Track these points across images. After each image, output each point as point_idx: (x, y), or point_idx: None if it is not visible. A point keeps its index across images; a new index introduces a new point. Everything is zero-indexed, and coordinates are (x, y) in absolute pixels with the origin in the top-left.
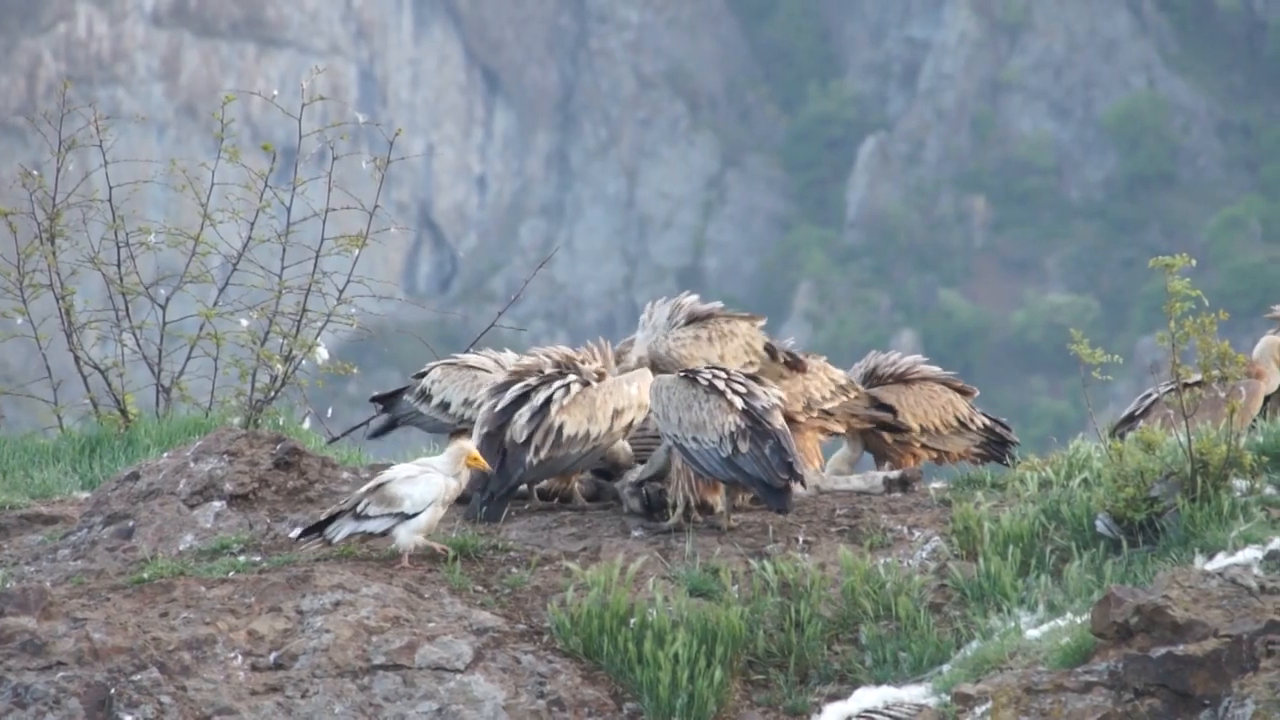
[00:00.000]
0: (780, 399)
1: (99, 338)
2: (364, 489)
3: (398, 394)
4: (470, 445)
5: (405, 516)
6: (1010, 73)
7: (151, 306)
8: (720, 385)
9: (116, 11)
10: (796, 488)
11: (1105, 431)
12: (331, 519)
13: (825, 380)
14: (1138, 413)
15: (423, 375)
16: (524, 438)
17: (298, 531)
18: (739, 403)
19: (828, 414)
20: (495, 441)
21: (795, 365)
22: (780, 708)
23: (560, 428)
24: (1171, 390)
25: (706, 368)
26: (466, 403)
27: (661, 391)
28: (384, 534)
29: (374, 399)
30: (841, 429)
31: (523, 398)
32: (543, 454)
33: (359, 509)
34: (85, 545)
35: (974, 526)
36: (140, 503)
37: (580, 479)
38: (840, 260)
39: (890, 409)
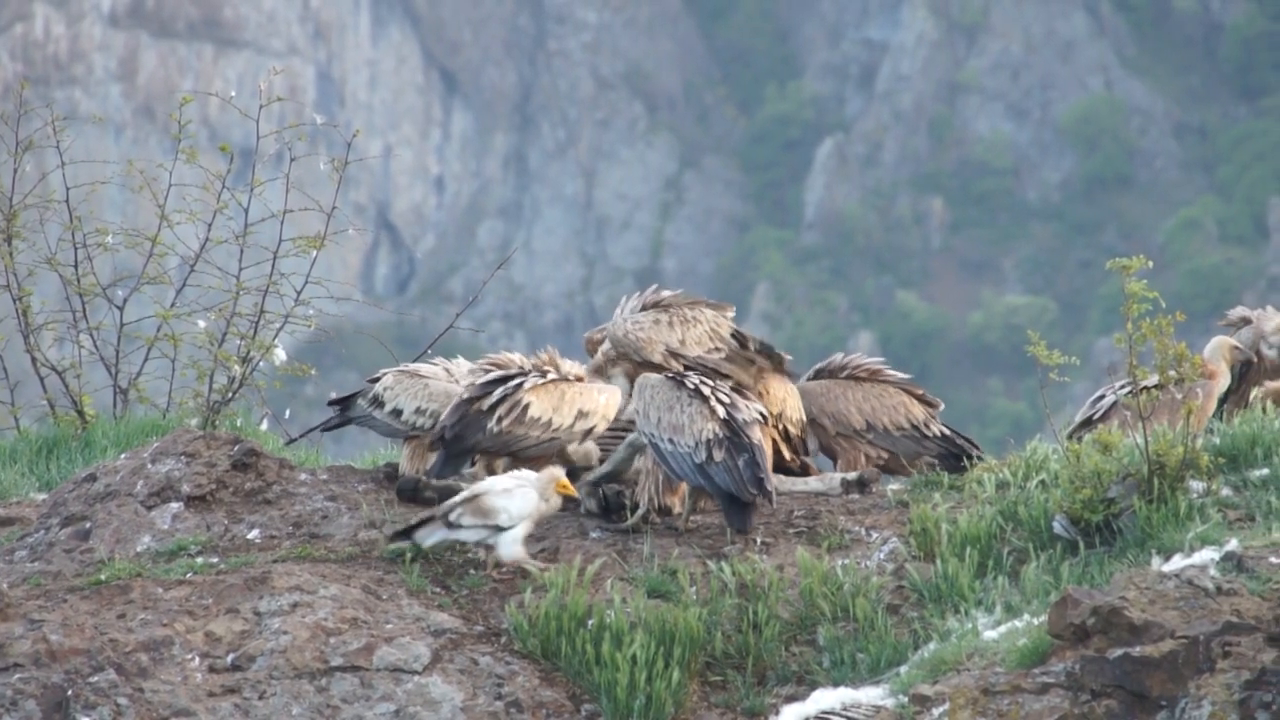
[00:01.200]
0: (762, 414)
1: (56, 339)
2: (458, 498)
3: (353, 397)
4: (559, 472)
5: (499, 529)
6: (968, 74)
7: (109, 307)
8: (705, 392)
9: (74, 12)
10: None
11: (1063, 434)
12: (421, 524)
13: (796, 406)
14: (1095, 417)
15: (376, 380)
16: (489, 406)
17: (389, 533)
18: (721, 411)
19: (788, 435)
20: (463, 408)
21: (769, 355)
22: (738, 709)
23: (527, 406)
24: (1128, 391)
25: (695, 372)
26: (418, 411)
27: (646, 390)
28: (476, 544)
29: (331, 402)
30: (788, 456)
31: (504, 379)
32: (504, 424)
33: (451, 517)
34: (42, 547)
35: (931, 528)
36: (97, 504)
37: None
38: (798, 261)
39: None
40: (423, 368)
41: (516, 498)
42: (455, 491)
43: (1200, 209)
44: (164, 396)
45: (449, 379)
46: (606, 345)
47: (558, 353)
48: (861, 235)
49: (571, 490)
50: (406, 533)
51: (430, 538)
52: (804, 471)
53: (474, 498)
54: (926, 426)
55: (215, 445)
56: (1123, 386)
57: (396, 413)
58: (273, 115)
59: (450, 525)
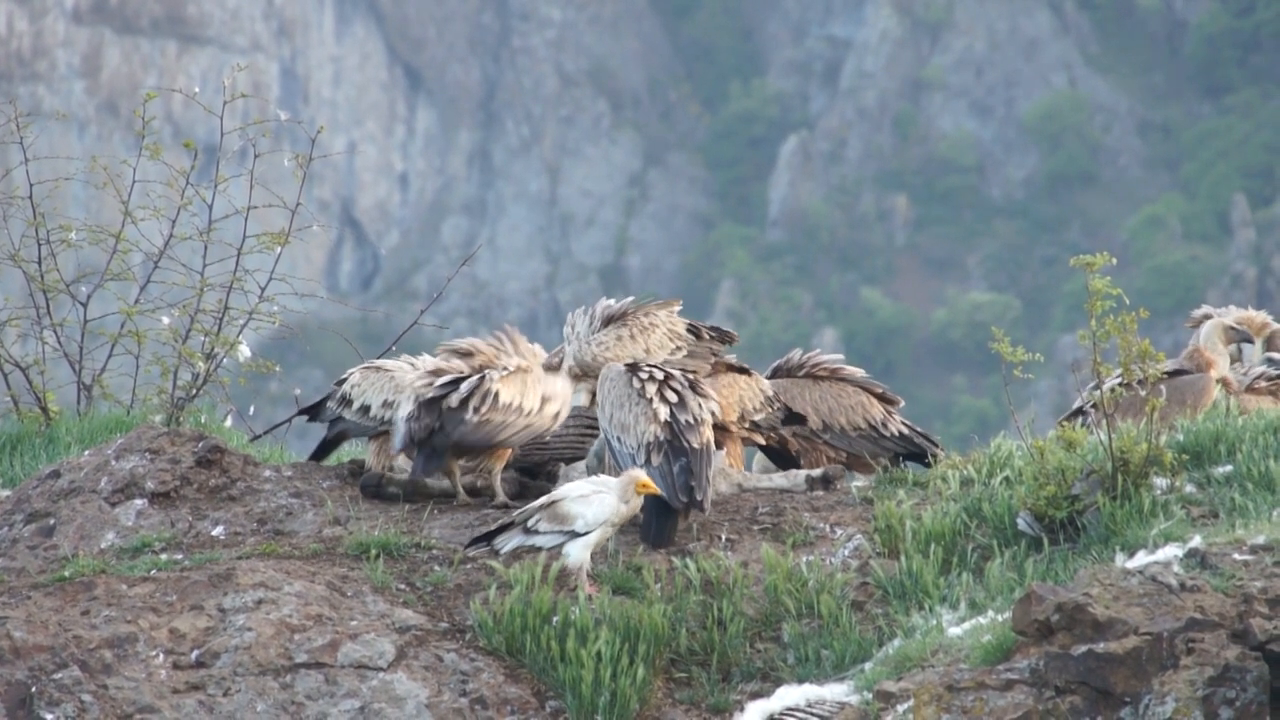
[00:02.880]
0: (714, 412)
1: (20, 335)
2: (537, 503)
3: (322, 403)
4: (640, 473)
5: (575, 535)
6: (932, 71)
7: (73, 304)
8: (651, 391)
9: (37, 8)
10: (714, 494)
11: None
12: (501, 530)
13: (757, 391)
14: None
15: (343, 382)
16: (460, 401)
17: (470, 539)
18: (664, 413)
19: (756, 425)
20: (434, 407)
21: (724, 338)
22: (703, 706)
23: (497, 394)
24: (1121, 386)
25: (647, 366)
26: (386, 404)
27: (605, 383)
28: (551, 550)
29: (301, 411)
30: (763, 441)
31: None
32: (483, 411)
33: (529, 524)
34: (6, 543)
35: (896, 524)
36: (61, 501)
37: (504, 476)
38: (762, 259)
39: (801, 419)
40: (388, 363)
41: (593, 504)
42: (422, 488)
43: (1164, 206)
44: (128, 393)
45: (415, 372)
46: (572, 363)
47: (517, 330)
48: (826, 232)
49: (653, 488)
50: (487, 538)
51: (508, 544)
52: (783, 446)
53: (552, 504)
54: (884, 426)
55: (179, 442)
56: (1124, 384)
57: (365, 409)
58: (237, 112)
59: (528, 531)
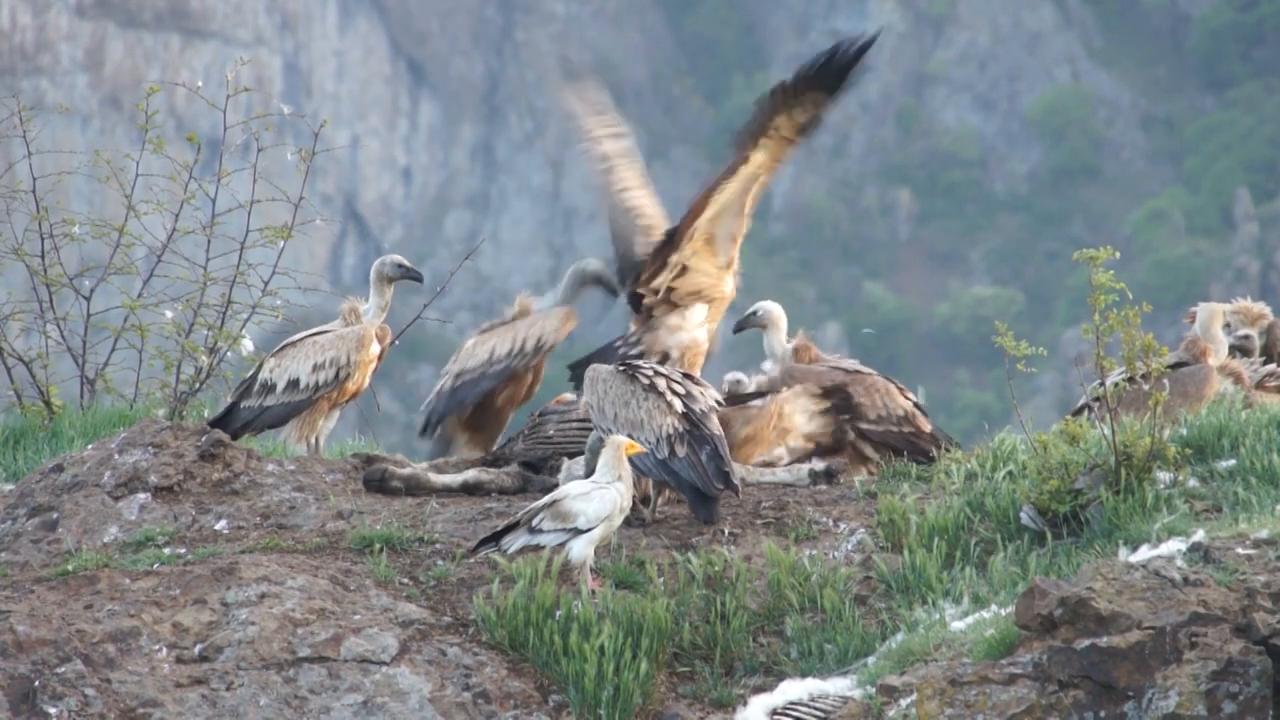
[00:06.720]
0: (717, 402)
1: (23, 329)
2: (540, 503)
3: (231, 410)
4: (619, 438)
5: (579, 532)
6: (935, 65)
7: (75, 298)
8: (660, 385)
9: (40, 2)
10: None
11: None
12: (508, 530)
13: (809, 402)
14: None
15: (250, 379)
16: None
17: (476, 540)
18: (678, 404)
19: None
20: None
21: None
22: (706, 700)
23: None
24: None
25: (645, 364)
26: (316, 368)
27: (598, 384)
28: (553, 548)
29: (211, 423)
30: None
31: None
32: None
33: (534, 523)
34: (9, 537)
35: (899, 519)
36: (64, 495)
37: (508, 471)
38: (766, 252)
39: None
40: (293, 337)
41: (594, 501)
42: (423, 481)
43: (1167, 200)
44: (131, 387)
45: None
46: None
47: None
48: (829, 226)
49: (638, 447)
50: (495, 538)
51: (514, 544)
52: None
53: (554, 502)
54: (922, 433)
55: (182, 436)
56: (1129, 378)
57: (294, 383)
58: (240, 106)
59: (533, 530)
